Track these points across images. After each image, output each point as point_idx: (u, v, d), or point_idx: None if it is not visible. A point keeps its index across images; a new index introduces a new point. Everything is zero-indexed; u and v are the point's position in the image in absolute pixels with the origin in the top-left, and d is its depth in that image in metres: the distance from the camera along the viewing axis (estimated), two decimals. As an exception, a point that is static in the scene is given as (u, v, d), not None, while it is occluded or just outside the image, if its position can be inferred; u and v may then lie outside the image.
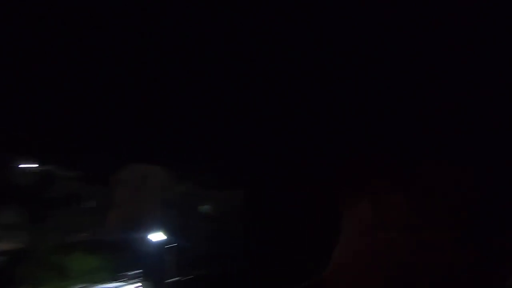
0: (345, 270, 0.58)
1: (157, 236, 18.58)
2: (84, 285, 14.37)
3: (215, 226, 24.80)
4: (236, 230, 25.00)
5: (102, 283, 15.83)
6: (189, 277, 9.00)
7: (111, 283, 15.80)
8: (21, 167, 21.23)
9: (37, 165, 21.88)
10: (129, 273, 17.96)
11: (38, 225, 18.94)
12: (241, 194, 28.69)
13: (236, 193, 29.08)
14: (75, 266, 17.39)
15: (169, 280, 11.29)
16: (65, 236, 20.15)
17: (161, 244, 18.30)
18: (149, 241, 19.36)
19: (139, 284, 16.91)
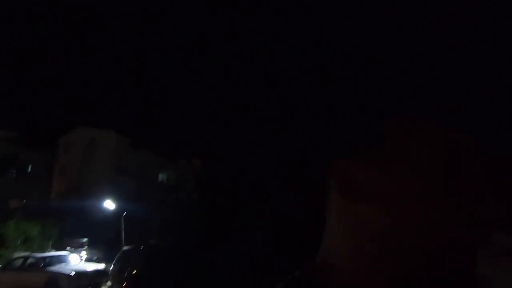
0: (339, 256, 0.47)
1: (107, 204, 17.81)
2: (25, 253, 13.46)
3: (172, 196, 24.39)
4: (193, 200, 24.82)
5: (44, 251, 14.93)
6: (141, 246, 8.83)
7: (54, 251, 14.97)
8: None
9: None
10: (74, 241, 17.18)
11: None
12: (199, 164, 28.34)
13: (194, 162, 28.65)
14: (14, 234, 16.18)
15: (122, 248, 10.97)
16: (3, 202, 18.52)
17: (111, 212, 17.62)
18: (98, 209, 18.55)
19: (85, 252, 16.27)
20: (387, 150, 0.42)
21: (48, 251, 14.77)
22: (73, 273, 9.95)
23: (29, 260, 10.89)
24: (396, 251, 0.40)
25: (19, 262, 11.08)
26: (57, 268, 10.37)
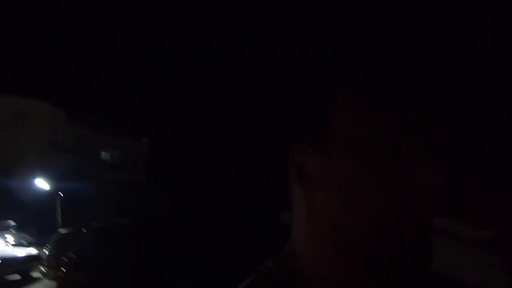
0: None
1: (38, 183, 15.99)
2: None
3: (114, 175, 22.76)
4: (139, 180, 23.47)
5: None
6: (82, 229, 7.93)
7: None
8: None
9: None
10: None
11: None
12: (146, 143, 26.79)
13: (141, 141, 27.02)
14: None
15: (57, 231, 9.94)
16: None
17: (45, 192, 15.86)
18: (28, 189, 16.65)
19: (10, 236, 14.51)
20: (330, 132, 0.41)
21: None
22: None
23: None
24: (353, 237, 0.40)
25: None
26: (-24, 254, 9.13)
